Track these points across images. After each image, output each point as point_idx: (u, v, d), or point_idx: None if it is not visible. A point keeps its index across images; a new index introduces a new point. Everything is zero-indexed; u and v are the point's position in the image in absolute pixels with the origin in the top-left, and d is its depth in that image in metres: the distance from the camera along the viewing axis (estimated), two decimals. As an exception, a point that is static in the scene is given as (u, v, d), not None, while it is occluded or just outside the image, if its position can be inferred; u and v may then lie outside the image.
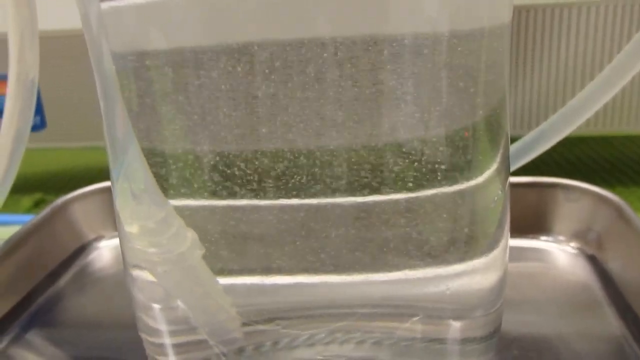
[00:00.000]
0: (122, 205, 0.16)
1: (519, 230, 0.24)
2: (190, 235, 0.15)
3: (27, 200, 0.35)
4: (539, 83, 0.28)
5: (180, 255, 0.15)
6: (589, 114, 0.23)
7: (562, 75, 0.28)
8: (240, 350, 0.16)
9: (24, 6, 0.18)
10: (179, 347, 0.16)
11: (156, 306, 0.15)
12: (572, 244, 0.24)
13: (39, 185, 0.37)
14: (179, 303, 0.15)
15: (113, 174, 0.16)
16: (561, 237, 0.24)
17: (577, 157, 0.35)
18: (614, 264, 0.21)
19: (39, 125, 0.32)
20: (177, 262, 0.15)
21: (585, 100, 0.23)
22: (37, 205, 0.35)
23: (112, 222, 0.27)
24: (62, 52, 0.26)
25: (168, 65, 0.14)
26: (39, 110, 0.32)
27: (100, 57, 0.15)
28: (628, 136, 0.33)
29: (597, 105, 0.23)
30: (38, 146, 0.34)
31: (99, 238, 0.26)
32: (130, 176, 0.15)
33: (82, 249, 0.26)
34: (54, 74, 0.31)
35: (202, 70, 0.14)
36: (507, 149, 0.16)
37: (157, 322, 0.15)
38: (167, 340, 0.16)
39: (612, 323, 0.19)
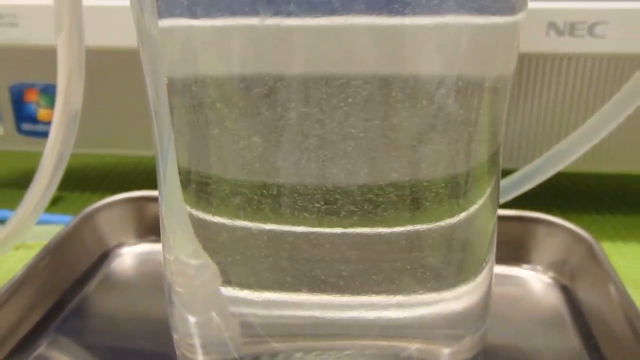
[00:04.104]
0: (162, 231, 0.18)
1: (503, 258, 0.26)
2: (213, 268, 0.16)
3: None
4: (532, 122, 0.30)
5: (202, 283, 0.17)
6: (578, 154, 0.26)
7: (557, 115, 0.30)
8: None
9: (75, 47, 0.20)
10: (207, 347, 0.17)
11: (192, 319, 0.17)
12: (549, 274, 0.26)
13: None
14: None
15: (161, 189, 0.17)
16: (539, 267, 0.26)
17: (566, 188, 0.38)
18: (583, 295, 0.23)
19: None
20: (198, 287, 0.17)
21: (574, 143, 0.26)
22: (55, 202, 0.37)
23: (133, 230, 0.29)
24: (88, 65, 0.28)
25: (209, 89, 0.15)
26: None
27: (155, 73, 0.16)
28: (605, 174, 0.36)
29: (587, 146, 0.26)
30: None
31: (120, 245, 0.28)
32: (169, 210, 0.17)
33: (106, 255, 0.27)
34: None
35: (241, 98, 0.15)
36: (498, 186, 0.18)
37: (190, 325, 0.17)
38: (197, 341, 0.17)
39: (574, 346, 0.21)
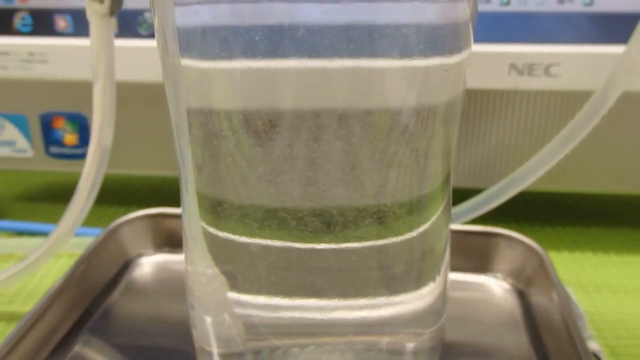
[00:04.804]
0: (184, 246, 0.20)
1: (469, 267, 0.29)
2: (221, 279, 0.19)
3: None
4: (498, 148, 0.33)
5: (213, 291, 0.19)
6: (538, 175, 0.28)
7: (519, 142, 0.33)
8: (241, 355, 0.19)
9: (108, 96, 0.24)
10: (219, 342, 0.20)
11: (208, 319, 0.20)
12: (508, 281, 0.29)
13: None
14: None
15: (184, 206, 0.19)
16: (499, 275, 0.29)
17: (534, 204, 0.41)
18: (534, 299, 0.27)
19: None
20: (209, 293, 0.19)
21: (535, 165, 0.28)
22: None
23: (151, 243, 0.32)
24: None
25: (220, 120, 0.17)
26: (87, 141, 0.37)
27: (178, 105, 0.17)
28: (565, 192, 0.39)
29: (547, 168, 0.28)
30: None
31: (139, 255, 0.31)
32: (188, 229, 0.19)
33: (127, 264, 0.30)
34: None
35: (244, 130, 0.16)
36: (450, 202, 0.20)
37: (205, 323, 0.20)
38: (212, 337, 0.20)
39: (524, 340, 0.24)
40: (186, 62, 0.17)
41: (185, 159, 0.18)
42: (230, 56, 0.16)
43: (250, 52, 0.16)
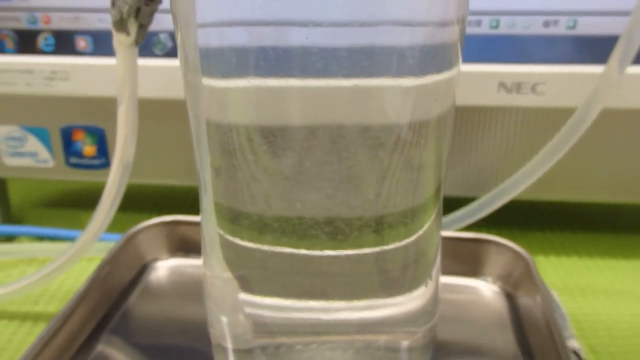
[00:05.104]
0: (203, 252, 0.21)
1: (462, 271, 0.31)
2: (235, 281, 0.20)
3: (84, 216, 0.40)
4: (489, 160, 0.35)
5: (226, 292, 0.20)
6: (526, 185, 0.30)
7: (509, 155, 0.34)
8: (250, 351, 0.20)
9: (131, 116, 0.26)
10: (233, 338, 0.21)
11: (224, 319, 0.21)
12: (497, 284, 0.30)
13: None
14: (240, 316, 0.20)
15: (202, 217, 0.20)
16: (489, 279, 0.30)
17: (516, 212, 0.42)
18: (521, 301, 0.28)
19: (105, 164, 0.39)
20: (225, 295, 0.21)
21: (523, 176, 0.30)
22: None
23: (165, 248, 0.33)
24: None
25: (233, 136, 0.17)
26: (105, 152, 0.39)
27: (198, 115, 0.18)
28: (554, 201, 0.40)
29: (534, 178, 0.29)
30: (101, 179, 0.40)
31: (155, 260, 0.32)
32: (205, 238, 0.21)
33: (144, 268, 0.32)
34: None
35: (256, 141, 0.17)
36: (440, 212, 0.20)
37: (222, 322, 0.21)
38: (227, 332, 0.21)
39: (511, 338, 0.26)
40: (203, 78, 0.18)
41: (205, 170, 0.19)
42: (240, 75, 0.17)
43: (259, 71, 0.17)
